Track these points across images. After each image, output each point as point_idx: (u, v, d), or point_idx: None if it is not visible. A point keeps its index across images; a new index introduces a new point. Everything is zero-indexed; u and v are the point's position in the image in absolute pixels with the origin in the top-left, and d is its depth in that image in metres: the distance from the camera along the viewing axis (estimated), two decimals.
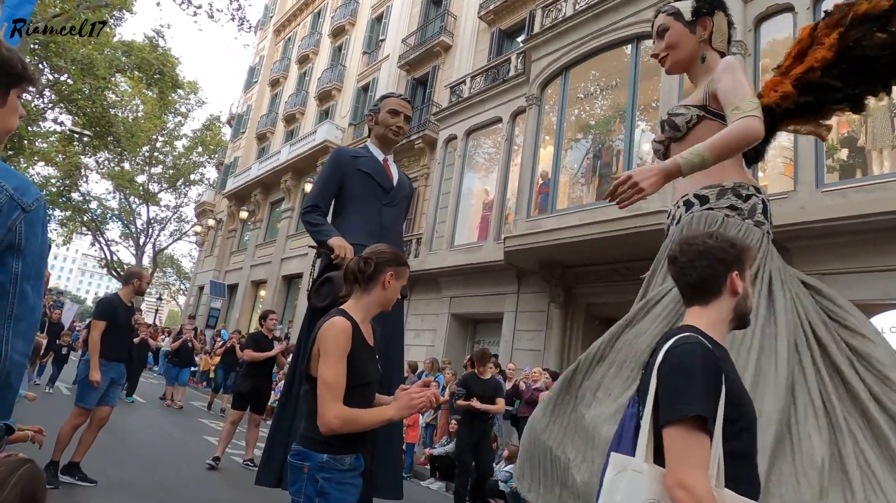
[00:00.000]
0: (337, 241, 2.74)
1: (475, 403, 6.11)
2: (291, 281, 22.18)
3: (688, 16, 2.14)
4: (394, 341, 2.91)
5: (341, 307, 1.97)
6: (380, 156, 3.20)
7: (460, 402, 6.29)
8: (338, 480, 1.78)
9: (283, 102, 27.17)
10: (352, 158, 3.13)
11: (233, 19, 19.44)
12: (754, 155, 2.28)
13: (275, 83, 28.93)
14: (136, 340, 10.25)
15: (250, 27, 18.72)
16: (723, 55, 2.16)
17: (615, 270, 10.07)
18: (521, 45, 12.52)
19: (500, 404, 6.47)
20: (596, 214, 9.21)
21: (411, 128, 17.19)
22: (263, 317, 7.18)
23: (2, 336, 1.16)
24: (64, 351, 11.90)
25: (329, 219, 3.07)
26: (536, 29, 11.58)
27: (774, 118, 2.14)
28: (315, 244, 2.92)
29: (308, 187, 20.19)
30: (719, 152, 1.77)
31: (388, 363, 2.72)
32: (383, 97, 3.28)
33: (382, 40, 21.02)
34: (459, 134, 14.01)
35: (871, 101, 7.43)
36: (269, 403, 9.81)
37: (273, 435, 2.85)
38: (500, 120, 13.15)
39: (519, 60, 12.89)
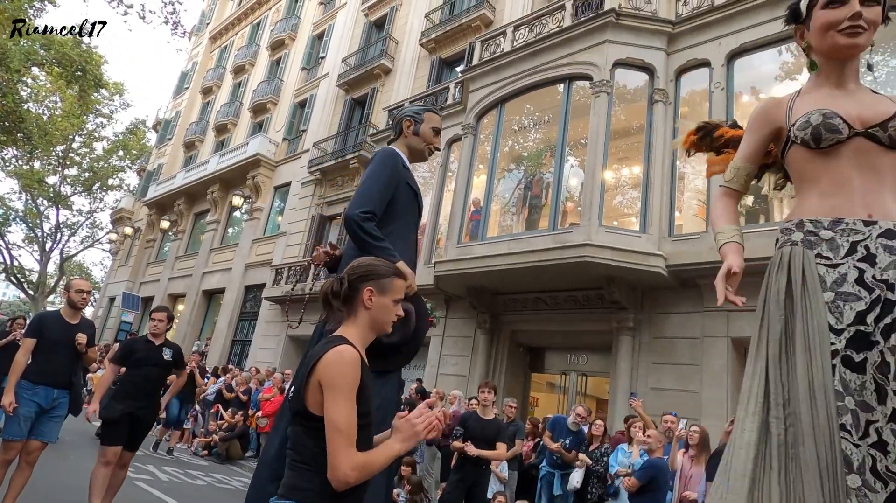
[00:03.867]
0: (407, 269, 2.29)
1: (469, 447, 5.41)
2: (212, 296, 21.29)
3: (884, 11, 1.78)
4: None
5: (339, 334, 1.68)
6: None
7: (455, 444, 5.61)
8: None
9: (214, 111, 26.37)
10: (403, 168, 2.64)
11: (166, 22, 18.78)
12: None
13: (207, 91, 28.07)
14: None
15: (184, 32, 18.13)
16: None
17: (540, 299, 10.35)
18: (460, 74, 12.81)
19: (501, 450, 5.67)
20: (524, 244, 9.46)
21: (346, 147, 17.13)
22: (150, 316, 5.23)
23: None
24: None
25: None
26: (475, 61, 11.91)
27: None
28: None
29: (236, 200, 19.59)
30: None
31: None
32: (426, 109, 2.86)
33: (322, 58, 20.93)
34: None
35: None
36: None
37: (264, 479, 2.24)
38: None
39: (457, 89, 13.17)
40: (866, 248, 1.56)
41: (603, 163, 9.31)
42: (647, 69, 9.59)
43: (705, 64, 9.30)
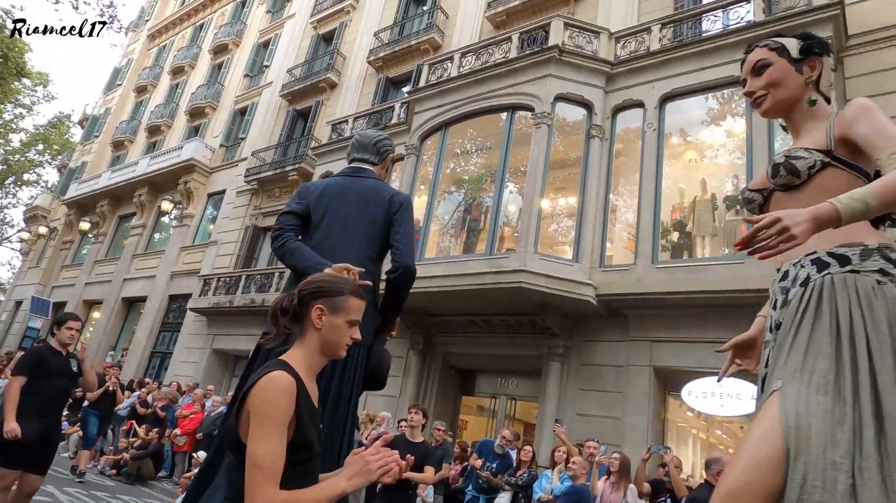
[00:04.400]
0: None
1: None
2: (132, 304, 20.18)
3: (795, 53, 1.84)
4: (343, 395, 2.30)
5: (282, 358, 1.54)
6: None
7: None
8: None
9: (148, 111, 25.29)
10: None
11: (101, 15, 17.93)
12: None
13: (142, 90, 26.92)
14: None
15: (121, 27, 17.38)
16: (828, 101, 1.90)
17: (474, 322, 10.44)
18: (406, 95, 12.91)
19: (428, 474, 5.59)
20: (461, 267, 9.54)
21: (286, 159, 16.82)
22: (59, 322, 4.48)
23: None
24: None
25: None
26: (422, 83, 12.04)
27: None
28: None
29: (165, 205, 18.77)
30: (888, 201, 1.45)
31: (335, 425, 2.21)
32: (390, 145, 2.94)
33: (267, 66, 20.56)
34: (335, 172, 13.92)
35: (698, 194, 8.51)
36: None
37: None
38: None
39: (402, 109, 13.24)
40: (774, 293, 1.65)
41: (541, 192, 9.57)
42: (586, 105, 10.00)
43: (639, 104, 9.79)
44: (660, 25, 10.01)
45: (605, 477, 6.09)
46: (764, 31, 8.59)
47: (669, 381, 8.88)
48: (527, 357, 10.03)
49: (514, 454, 7.08)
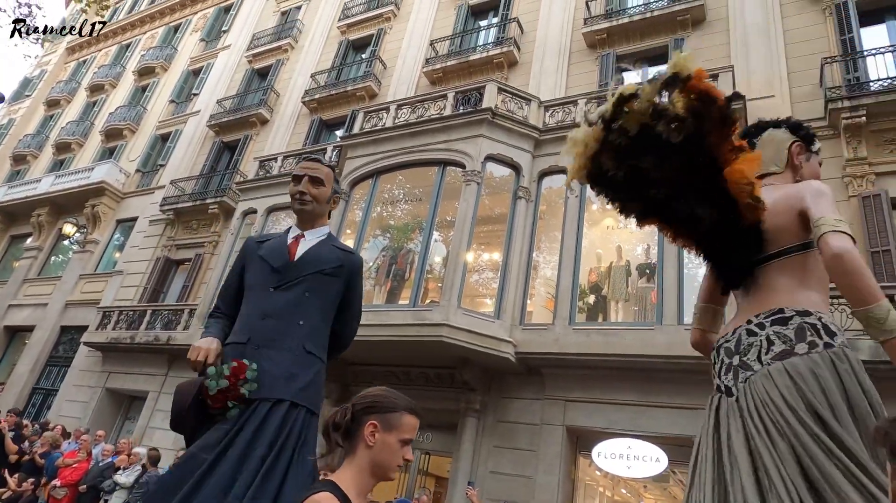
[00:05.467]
0: (199, 343, 2.22)
1: None
2: (16, 334, 18.38)
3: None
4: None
5: (330, 478, 1.48)
6: (294, 232, 2.53)
7: None
8: None
9: (58, 127, 23.75)
10: (257, 244, 2.53)
11: (19, 22, 16.91)
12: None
13: (53, 103, 25.30)
14: None
15: (38, 39, 16.40)
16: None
17: (393, 373, 10.29)
18: (339, 139, 12.92)
19: None
20: (384, 316, 9.45)
21: (208, 191, 16.25)
22: None
23: None
24: None
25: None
26: (356, 129, 12.12)
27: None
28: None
29: (68, 227, 17.48)
30: None
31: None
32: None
33: (196, 94, 19.98)
34: (260, 209, 13.58)
35: (614, 260, 8.99)
36: None
37: None
38: None
39: (334, 153, 13.22)
40: None
41: (467, 246, 9.76)
42: (515, 167, 10.41)
43: (564, 171, 10.25)
44: (585, 100, 10.69)
45: None
46: None
47: (581, 441, 9.09)
48: (444, 411, 9.96)
49: None
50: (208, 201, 15.70)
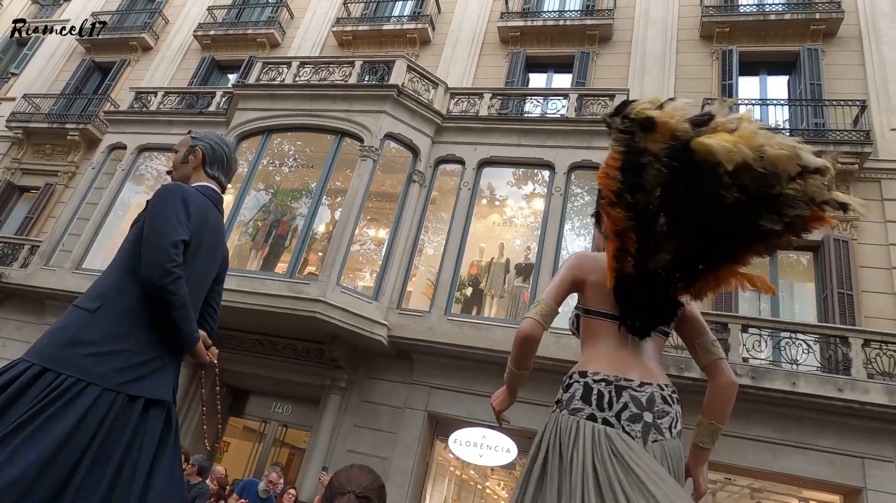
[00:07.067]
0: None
1: None
2: None
3: None
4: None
5: None
6: None
7: None
8: None
9: None
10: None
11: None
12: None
13: None
14: None
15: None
16: None
17: (258, 341, 9.91)
18: (232, 86, 11.98)
19: None
20: (258, 284, 9.02)
21: (69, 114, 14.48)
22: None
23: None
24: None
25: None
26: (252, 79, 11.31)
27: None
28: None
29: None
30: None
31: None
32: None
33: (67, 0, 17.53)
34: (131, 146, 12.29)
35: (495, 256, 9.25)
36: None
37: None
38: None
39: (224, 99, 12.27)
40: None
41: (354, 224, 9.55)
42: (413, 149, 10.31)
43: (460, 162, 10.39)
44: (491, 94, 10.81)
45: None
46: (575, 127, 9.81)
47: (440, 426, 9.38)
48: (308, 385, 9.80)
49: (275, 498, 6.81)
50: (68, 126, 13.95)
